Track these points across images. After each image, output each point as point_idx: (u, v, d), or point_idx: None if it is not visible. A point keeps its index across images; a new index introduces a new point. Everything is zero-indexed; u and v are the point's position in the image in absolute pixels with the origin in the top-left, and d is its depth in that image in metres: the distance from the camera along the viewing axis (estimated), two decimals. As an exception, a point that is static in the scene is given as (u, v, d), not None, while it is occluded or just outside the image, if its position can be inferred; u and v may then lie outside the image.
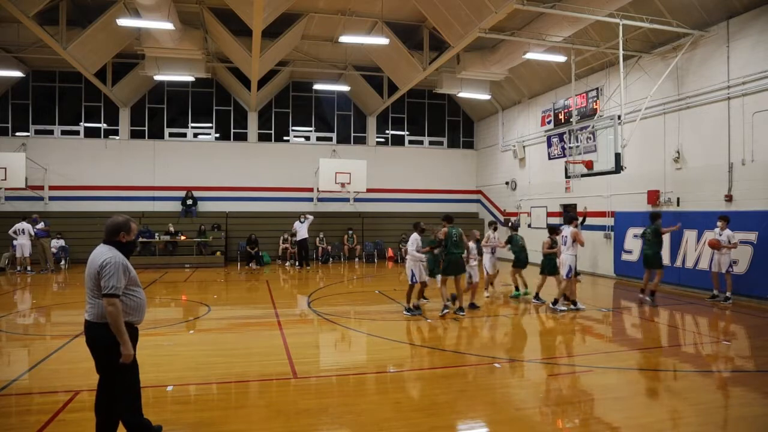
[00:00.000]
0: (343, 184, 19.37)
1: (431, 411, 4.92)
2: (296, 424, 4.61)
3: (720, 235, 10.48)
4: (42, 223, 16.27)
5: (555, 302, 10.07)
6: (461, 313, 9.44)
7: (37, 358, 6.66)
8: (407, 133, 23.10)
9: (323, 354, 7.53)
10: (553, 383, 5.89)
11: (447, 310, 9.40)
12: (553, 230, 10.60)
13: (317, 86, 20.27)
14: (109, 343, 3.68)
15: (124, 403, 3.85)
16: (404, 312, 9.58)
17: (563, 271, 10.00)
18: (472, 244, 10.59)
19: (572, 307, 10.01)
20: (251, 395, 5.55)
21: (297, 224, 17.69)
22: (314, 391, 5.58)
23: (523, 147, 19.48)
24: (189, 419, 4.74)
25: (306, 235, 17.59)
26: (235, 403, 5.19)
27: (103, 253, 3.72)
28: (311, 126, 22.10)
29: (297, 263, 17.97)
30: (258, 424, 4.59)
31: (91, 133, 20.15)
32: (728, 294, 10.57)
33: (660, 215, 10.72)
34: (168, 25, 12.88)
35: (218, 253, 18.76)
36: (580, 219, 14.80)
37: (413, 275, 9.40)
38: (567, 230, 10.15)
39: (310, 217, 17.60)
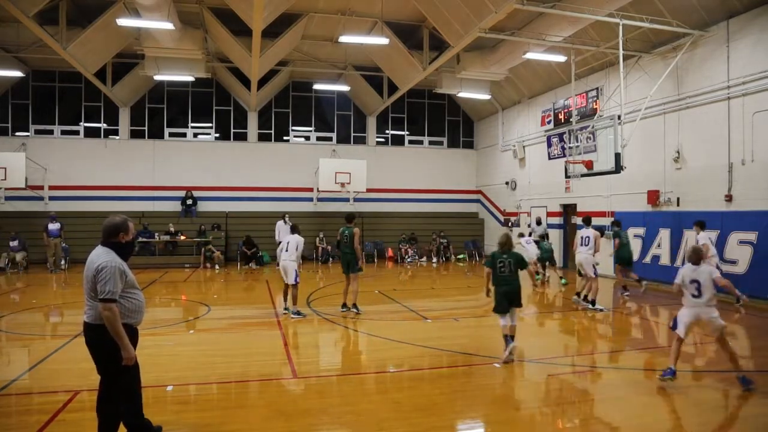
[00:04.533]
0: (343, 184, 19.36)
1: (431, 411, 4.92)
2: (296, 424, 4.61)
3: (696, 240, 10.43)
4: (58, 224, 16.40)
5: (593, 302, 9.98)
6: (355, 310, 9.50)
7: (37, 358, 6.66)
8: (407, 133, 23.10)
9: (323, 354, 7.53)
10: (553, 383, 5.89)
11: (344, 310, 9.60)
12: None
13: (317, 86, 20.27)
14: (108, 345, 3.67)
15: (124, 404, 3.84)
16: (291, 315, 9.17)
17: (591, 271, 9.93)
18: None
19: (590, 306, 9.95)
20: (251, 395, 5.55)
21: (280, 224, 17.10)
22: (314, 391, 5.58)
23: (523, 147, 19.47)
24: (189, 419, 4.74)
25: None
26: (235, 403, 5.19)
27: (99, 257, 3.70)
28: (311, 126, 22.10)
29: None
30: (258, 424, 4.59)
31: (91, 133, 20.15)
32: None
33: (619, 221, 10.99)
34: (168, 25, 12.88)
35: (218, 253, 18.75)
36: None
37: (296, 275, 9.20)
38: (588, 231, 10.18)
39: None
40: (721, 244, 11.21)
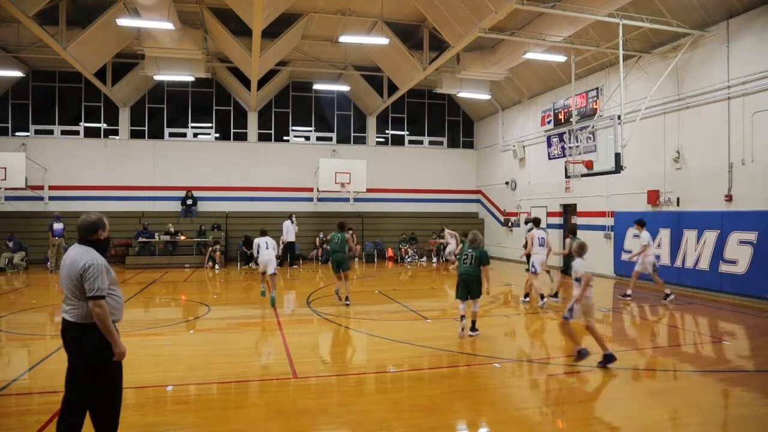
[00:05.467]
0: (343, 184, 19.37)
1: (431, 411, 4.92)
2: (296, 424, 4.61)
3: (636, 237, 11.02)
4: (62, 224, 16.51)
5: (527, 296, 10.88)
6: (348, 303, 10.50)
7: (37, 358, 6.66)
8: (407, 133, 23.10)
9: (323, 354, 7.53)
10: (553, 383, 5.88)
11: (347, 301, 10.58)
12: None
13: (317, 86, 20.29)
14: (95, 344, 3.66)
15: (112, 406, 3.79)
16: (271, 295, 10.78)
17: (534, 269, 10.70)
18: None
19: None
20: (251, 395, 5.55)
21: (287, 224, 17.80)
22: (314, 391, 5.58)
23: (523, 147, 19.48)
24: (189, 419, 4.74)
25: (293, 238, 17.84)
26: (235, 403, 5.19)
27: (82, 255, 3.68)
28: (311, 126, 22.10)
29: (286, 264, 18.17)
30: (258, 424, 4.59)
31: (91, 133, 20.14)
32: (667, 291, 10.82)
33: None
34: (168, 25, 12.88)
35: (218, 253, 18.75)
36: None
37: (275, 266, 10.99)
38: (543, 232, 10.87)
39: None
40: (721, 244, 11.22)
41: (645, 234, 10.98)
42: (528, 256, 10.99)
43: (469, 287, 7.78)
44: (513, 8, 11.08)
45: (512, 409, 5.09)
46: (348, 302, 10.42)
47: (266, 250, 11.05)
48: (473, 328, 7.85)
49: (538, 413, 4.98)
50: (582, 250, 6.49)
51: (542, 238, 10.71)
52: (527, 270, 11.51)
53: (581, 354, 6.18)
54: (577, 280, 6.27)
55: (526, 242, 11.03)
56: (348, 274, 10.65)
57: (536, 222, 11.36)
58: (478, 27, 12.29)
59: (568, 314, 6.22)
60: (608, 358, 6.19)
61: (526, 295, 10.89)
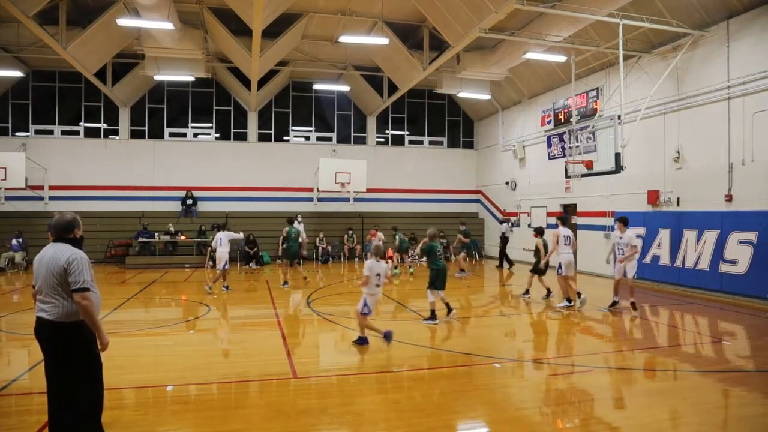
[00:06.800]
0: (343, 184, 19.38)
1: (431, 411, 4.92)
2: (296, 424, 4.61)
3: (621, 238, 9.55)
4: None
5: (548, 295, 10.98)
6: (286, 286, 12.67)
7: (37, 358, 6.62)
8: (407, 133, 23.10)
9: (323, 354, 7.53)
10: (553, 383, 5.88)
11: (287, 285, 12.77)
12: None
13: (317, 86, 20.29)
14: (85, 341, 3.67)
15: (90, 402, 3.79)
16: (223, 289, 12.29)
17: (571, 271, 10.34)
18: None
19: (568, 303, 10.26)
20: (251, 395, 5.55)
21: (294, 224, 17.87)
22: (314, 391, 5.58)
23: (523, 147, 19.48)
24: (189, 419, 4.74)
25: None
26: (235, 403, 5.18)
27: (63, 251, 3.70)
28: (311, 126, 22.10)
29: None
30: (258, 424, 4.59)
31: (91, 133, 20.15)
32: (632, 299, 9.57)
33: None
34: (168, 25, 12.88)
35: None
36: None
37: (226, 263, 12.24)
38: (568, 230, 10.45)
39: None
40: (721, 244, 11.22)
41: (629, 234, 9.60)
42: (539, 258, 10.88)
43: (444, 276, 8.82)
44: (513, 8, 11.09)
45: (512, 409, 5.09)
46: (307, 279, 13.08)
47: (221, 247, 12.00)
48: (450, 309, 8.92)
49: (538, 413, 4.98)
50: (378, 251, 7.28)
51: (568, 236, 9.94)
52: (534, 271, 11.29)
53: (361, 340, 7.17)
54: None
55: (544, 242, 10.69)
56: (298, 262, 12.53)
57: (563, 220, 10.56)
58: (478, 27, 12.29)
59: (366, 309, 7.05)
60: (362, 340, 7.16)
61: (549, 294, 10.91)
